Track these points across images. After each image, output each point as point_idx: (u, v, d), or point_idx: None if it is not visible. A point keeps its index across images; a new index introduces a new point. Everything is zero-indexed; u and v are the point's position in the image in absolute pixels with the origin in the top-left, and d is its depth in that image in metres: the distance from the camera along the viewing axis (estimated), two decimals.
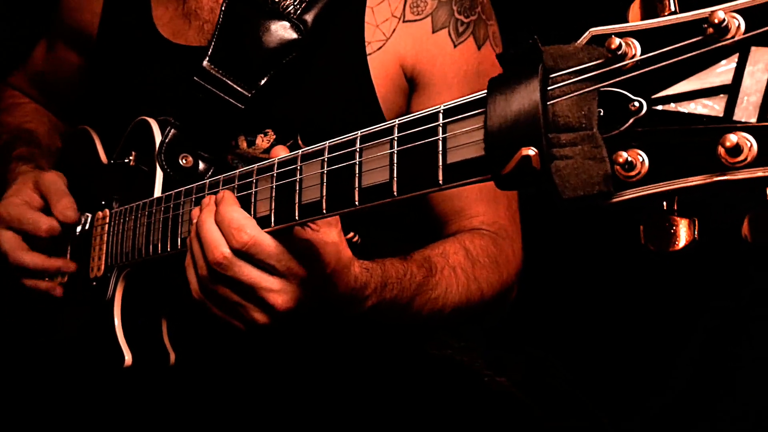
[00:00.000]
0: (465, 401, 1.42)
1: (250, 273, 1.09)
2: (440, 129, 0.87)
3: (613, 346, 2.23)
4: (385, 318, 1.30)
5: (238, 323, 1.16)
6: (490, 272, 1.43)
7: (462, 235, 1.46)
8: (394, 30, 1.47)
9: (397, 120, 0.93)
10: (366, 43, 1.47)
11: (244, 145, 1.49)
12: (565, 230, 2.15)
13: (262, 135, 1.48)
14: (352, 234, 1.50)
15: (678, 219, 0.74)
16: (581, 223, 2.14)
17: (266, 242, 1.07)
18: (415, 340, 1.53)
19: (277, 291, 1.09)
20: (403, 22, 1.47)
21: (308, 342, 1.46)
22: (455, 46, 1.48)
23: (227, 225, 1.08)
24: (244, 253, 1.07)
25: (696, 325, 2.17)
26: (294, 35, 1.42)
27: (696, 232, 0.74)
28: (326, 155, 1.01)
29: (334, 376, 1.45)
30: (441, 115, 0.87)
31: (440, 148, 0.86)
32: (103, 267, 1.51)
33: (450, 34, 1.47)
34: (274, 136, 1.47)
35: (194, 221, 1.15)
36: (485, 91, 0.81)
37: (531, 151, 0.75)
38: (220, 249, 1.08)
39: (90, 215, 1.61)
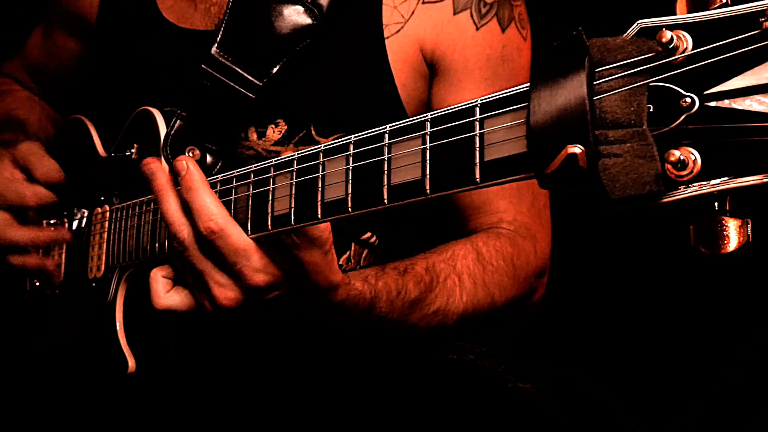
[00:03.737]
0: (487, 405, 1.44)
1: (202, 262, 1.16)
2: (477, 124, 0.89)
3: (651, 355, 2.25)
4: (372, 334, 1.35)
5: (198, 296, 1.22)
6: (503, 276, 1.44)
7: (476, 236, 1.47)
8: (414, 11, 1.48)
9: (429, 114, 0.95)
10: (384, 26, 1.48)
11: (254, 137, 1.50)
12: (602, 230, 2.16)
13: (273, 126, 1.49)
14: (369, 234, 1.53)
15: (730, 220, 0.77)
16: (620, 222, 2.16)
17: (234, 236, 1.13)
18: (434, 346, 1.55)
19: (222, 285, 1.16)
20: (423, 3, 1.49)
21: (323, 343, 1.48)
22: (478, 28, 1.49)
23: (199, 212, 1.14)
24: (208, 241, 1.14)
25: (740, 335, 2.18)
26: (308, 20, 1.44)
27: (749, 234, 0.77)
28: (351, 150, 1.04)
29: (351, 380, 1.47)
30: (478, 110, 0.89)
31: (477, 145, 0.88)
32: (103, 267, 1.53)
33: (472, 16, 1.49)
34: (286, 127, 1.49)
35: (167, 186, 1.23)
36: (527, 84, 0.83)
37: (577, 149, 0.77)
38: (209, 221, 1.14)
39: (87, 211, 1.63)
